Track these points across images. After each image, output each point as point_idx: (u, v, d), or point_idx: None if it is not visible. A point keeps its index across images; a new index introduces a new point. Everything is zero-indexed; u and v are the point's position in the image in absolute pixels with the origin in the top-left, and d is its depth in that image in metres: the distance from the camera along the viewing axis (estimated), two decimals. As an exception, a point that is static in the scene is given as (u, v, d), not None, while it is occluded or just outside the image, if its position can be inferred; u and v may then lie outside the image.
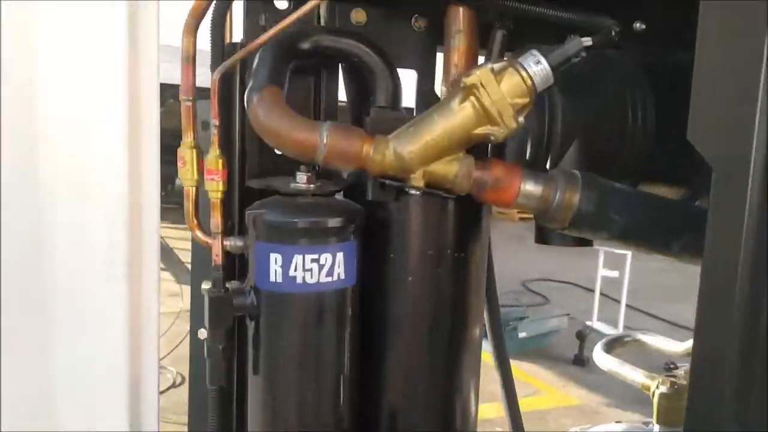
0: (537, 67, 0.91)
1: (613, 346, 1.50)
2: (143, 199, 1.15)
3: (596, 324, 6.47)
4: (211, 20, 1.02)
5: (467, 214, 1.04)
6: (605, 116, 1.09)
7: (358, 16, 1.13)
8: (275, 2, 1.12)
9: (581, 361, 5.81)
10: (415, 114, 1.18)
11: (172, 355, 4.76)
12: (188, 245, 1.25)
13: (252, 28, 1.09)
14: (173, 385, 4.90)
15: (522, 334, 6.00)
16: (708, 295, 0.80)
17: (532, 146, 1.06)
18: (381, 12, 1.15)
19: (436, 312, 1.06)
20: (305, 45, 1.03)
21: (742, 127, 0.79)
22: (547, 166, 1.07)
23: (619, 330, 6.51)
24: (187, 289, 1.02)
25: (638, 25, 1.20)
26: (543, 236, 1.08)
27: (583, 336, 5.83)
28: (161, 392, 1.20)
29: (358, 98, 1.15)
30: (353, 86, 1.15)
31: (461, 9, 1.09)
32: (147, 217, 1.15)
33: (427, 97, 1.19)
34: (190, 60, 0.98)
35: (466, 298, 1.10)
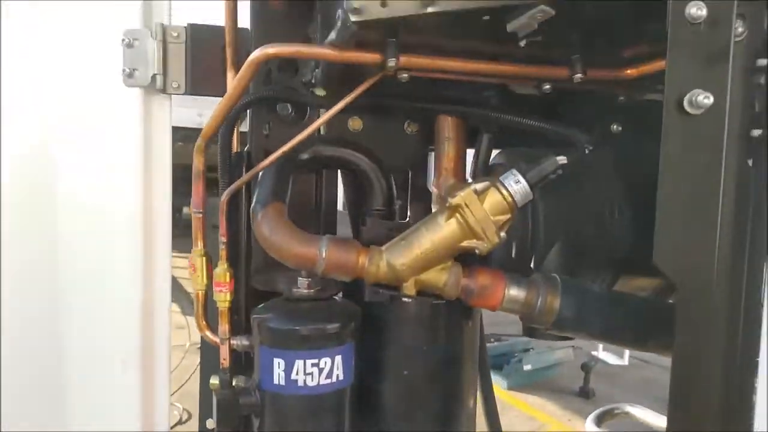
0: (517, 185, 0.99)
1: (603, 418, 1.56)
2: (155, 296, 1.24)
3: (602, 354, 6.47)
4: (221, 133, 1.12)
5: (459, 310, 1.12)
6: (584, 215, 1.17)
7: (355, 124, 1.23)
8: (278, 109, 1.21)
9: (586, 393, 5.81)
10: (408, 211, 1.27)
11: (179, 391, 4.81)
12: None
13: (257, 138, 1.18)
14: (179, 422, 4.94)
15: (527, 367, 6.00)
16: (679, 406, 0.87)
17: (517, 247, 1.14)
18: (376, 118, 1.24)
19: (432, 400, 1.14)
20: (305, 156, 1.12)
21: (705, 249, 0.87)
22: (533, 264, 1.15)
23: (625, 360, 6.50)
24: (193, 321, 1.09)
25: (615, 126, 1.29)
26: (529, 330, 1.16)
27: (588, 368, 5.84)
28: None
29: (355, 197, 1.24)
30: (351, 186, 1.24)
31: (450, 117, 1.18)
32: (159, 316, 1.24)
33: (420, 194, 1.28)
34: (200, 176, 1.07)
35: (461, 384, 1.18)
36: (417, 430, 1.12)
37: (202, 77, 1.20)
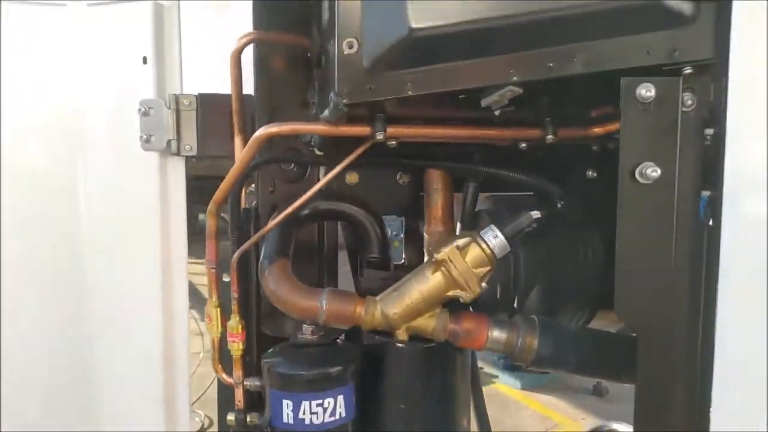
0: (495, 240, 1.11)
1: (592, 438, 1.65)
2: (176, 334, 1.37)
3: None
4: (231, 196, 1.24)
5: (450, 350, 1.24)
6: (559, 258, 1.28)
7: (352, 178, 1.35)
8: (282, 167, 1.34)
9: (600, 391, 5.87)
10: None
11: (201, 398, 4.94)
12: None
13: (263, 195, 1.31)
14: (202, 429, 5.08)
15: (540, 367, 6.05)
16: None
17: (501, 291, 1.26)
18: (370, 172, 1.36)
19: (429, 428, 1.26)
20: (305, 212, 1.24)
21: (662, 303, 0.98)
22: (516, 304, 1.26)
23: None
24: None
25: (590, 173, 1.39)
26: (514, 365, 1.27)
27: (600, 367, 5.89)
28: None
29: (353, 243, 1.36)
30: (349, 234, 1.36)
31: (437, 170, 1.30)
32: (179, 351, 1.38)
33: (413, 238, 1.40)
34: (213, 236, 1.20)
35: (455, 411, 1.29)
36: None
37: (212, 141, 1.33)
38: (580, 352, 1.15)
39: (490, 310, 1.29)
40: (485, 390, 1.65)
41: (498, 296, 1.27)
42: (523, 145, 1.18)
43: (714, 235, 0.94)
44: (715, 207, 0.94)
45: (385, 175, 1.38)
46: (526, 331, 1.14)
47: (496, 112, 1.09)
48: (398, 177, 1.39)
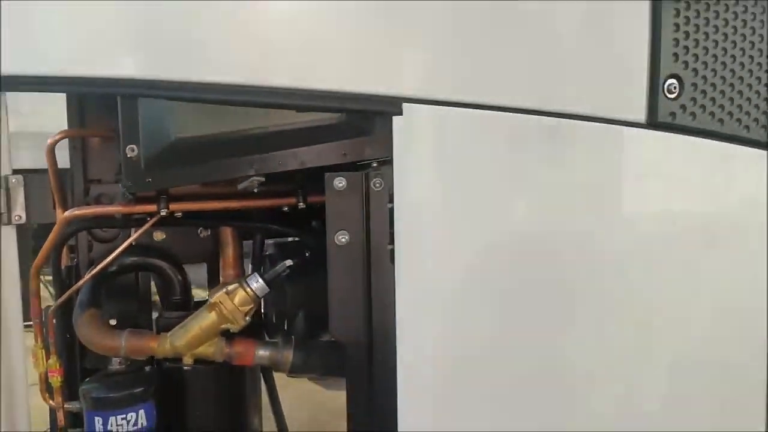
0: (257, 284, 1.51)
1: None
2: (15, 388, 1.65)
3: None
4: (51, 259, 1.56)
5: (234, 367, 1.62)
6: (316, 291, 1.68)
7: (159, 235, 1.70)
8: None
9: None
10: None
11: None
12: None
13: (82, 254, 1.63)
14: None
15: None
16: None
17: (277, 318, 1.66)
18: (175, 230, 1.72)
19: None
20: (113, 268, 1.59)
21: (358, 320, 1.40)
22: (286, 327, 1.67)
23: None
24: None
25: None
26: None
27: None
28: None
29: (161, 288, 1.71)
30: (157, 281, 1.72)
31: (228, 229, 1.69)
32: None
33: (213, 283, 1.77)
34: (36, 294, 1.51)
35: (244, 415, 1.69)
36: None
37: (38, 211, 1.63)
38: (326, 361, 1.58)
39: (271, 332, 1.70)
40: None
41: (275, 322, 1.68)
42: (285, 208, 1.59)
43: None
44: (393, 254, 1.39)
45: (188, 231, 1.74)
46: (284, 347, 1.55)
47: (255, 190, 1.49)
48: (199, 231, 1.76)
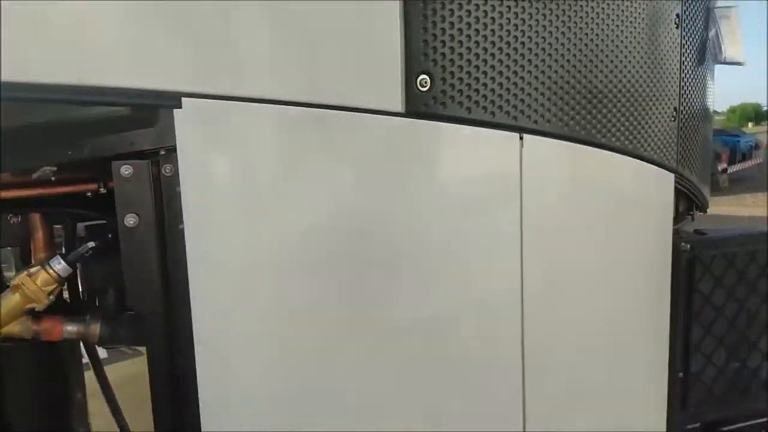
0: (59, 266, 1.62)
1: None
2: None
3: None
4: None
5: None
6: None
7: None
8: None
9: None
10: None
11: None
12: None
13: None
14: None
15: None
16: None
17: (88, 293, 1.79)
18: (-12, 216, 1.79)
19: (45, 400, 1.76)
20: None
21: (154, 292, 1.57)
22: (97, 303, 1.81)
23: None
24: None
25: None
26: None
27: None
28: None
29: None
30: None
31: (36, 214, 1.77)
32: None
33: (26, 263, 1.86)
34: None
35: (68, 383, 1.82)
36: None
37: None
38: (133, 332, 1.73)
39: (85, 309, 1.82)
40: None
41: (87, 299, 1.80)
42: (89, 194, 1.70)
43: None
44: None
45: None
46: (92, 321, 1.69)
47: (53, 178, 1.60)
48: (9, 218, 1.84)
